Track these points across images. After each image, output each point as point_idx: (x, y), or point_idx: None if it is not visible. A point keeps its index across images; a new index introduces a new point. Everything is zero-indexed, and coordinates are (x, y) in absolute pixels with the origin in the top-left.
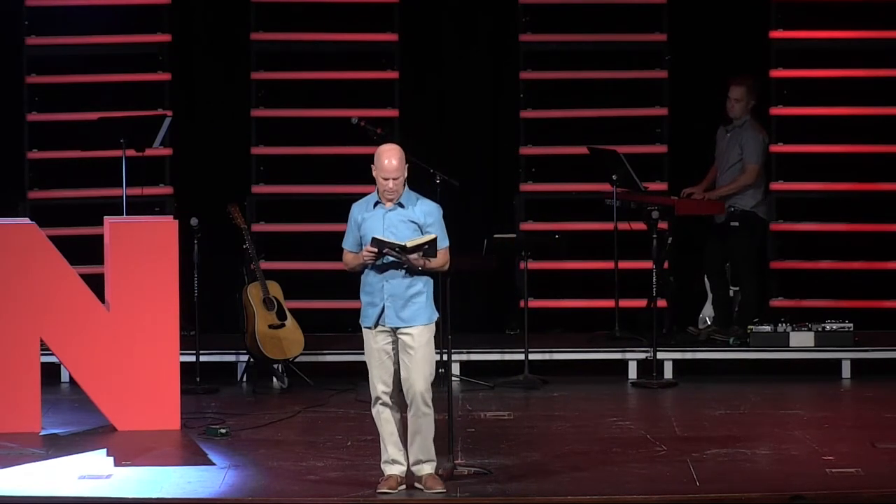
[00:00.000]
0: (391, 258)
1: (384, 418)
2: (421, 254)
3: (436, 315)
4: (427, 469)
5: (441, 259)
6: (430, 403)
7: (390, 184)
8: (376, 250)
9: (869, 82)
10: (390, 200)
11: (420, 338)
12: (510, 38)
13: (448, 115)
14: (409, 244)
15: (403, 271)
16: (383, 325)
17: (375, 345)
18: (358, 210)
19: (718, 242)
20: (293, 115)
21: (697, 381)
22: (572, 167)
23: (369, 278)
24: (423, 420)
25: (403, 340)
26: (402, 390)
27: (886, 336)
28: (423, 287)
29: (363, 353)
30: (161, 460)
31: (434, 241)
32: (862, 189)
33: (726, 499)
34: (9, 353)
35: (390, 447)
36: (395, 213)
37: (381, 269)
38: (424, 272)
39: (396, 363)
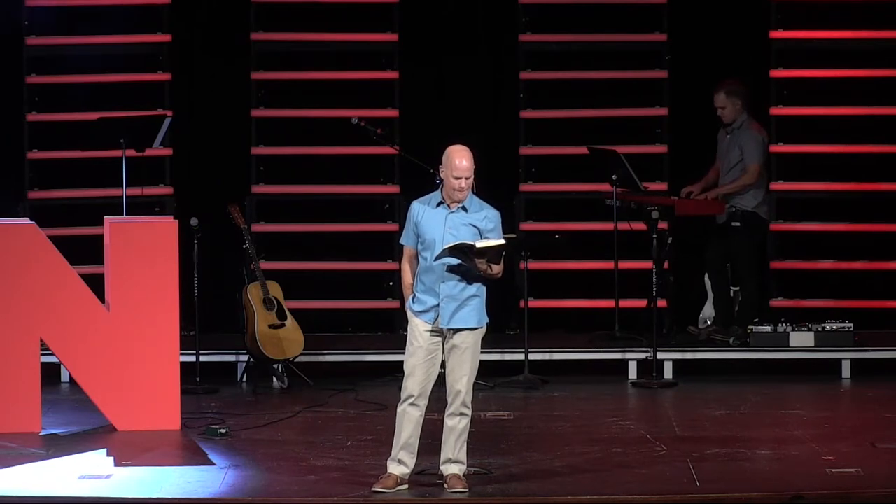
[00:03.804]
0: (456, 260)
1: (408, 419)
2: (486, 259)
3: (486, 319)
4: (453, 469)
5: (500, 266)
6: (470, 405)
7: (462, 182)
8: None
9: (869, 82)
10: (457, 202)
11: (469, 340)
12: (510, 38)
13: (448, 115)
14: (479, 245)
15: (461, 273)
16: (436, 326)
17: (424, 343)
18: (418, 208)
19: (719, 242)
20: (293, 115)
21: (697, 381)
22: (572, 167)
23: (426, 276)
24: (461, 420)
25: (453, 341)
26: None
27: (886, 336)
28: (477, 290)
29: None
30: (161, 460)
31: (503, 247)
32: (862, 189)
33: (726, 499)
34: (9, 353)
35: (402, 449)
36: (457, 216)
37: (440, 269)
38: (481, 277)
39: (439, 368)
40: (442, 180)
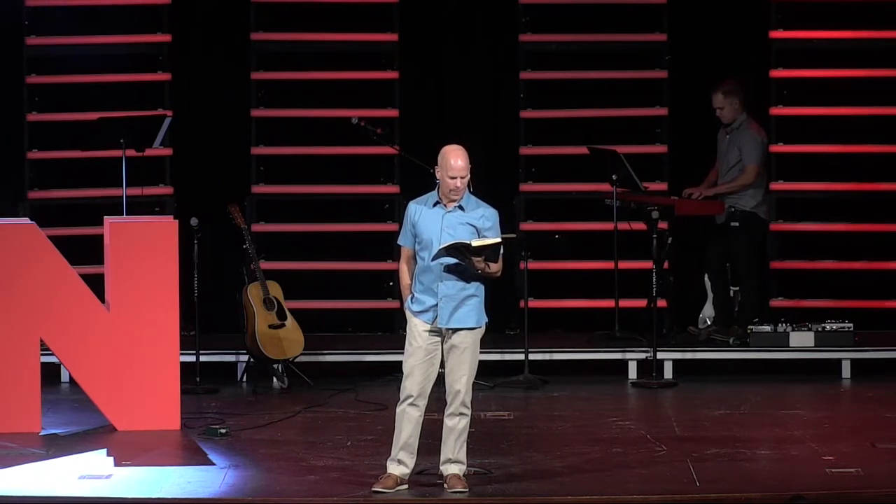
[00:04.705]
0: (453, 259)
1: (407, 419)
2: (483, 258)
3: (485, 319)
4: (453, 469)
5: (499, 265)
6: (469, 405)
7: (457, 182)
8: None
9: (869, 82)
10: (453, 201)
11: (468, 339)
12: (510, 38)
13: (448, 115)
14: (475, 244)
15: (459, 273)
16: (434, 325)
17: (423, 343)
18: (415, 208)
19: (719, 242)
20: (293, 115)
21: (697, 381)
22: (572, 167)
23: (424, 276)
24: (460, 420)
25: (452, 341)
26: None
27: (886, 336)
28: (475, 290)
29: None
30: (161, 460)
31: (499, 245)
32: (862, 189)
33: (726, 499)
34: (9, 353)
35: (402, 449)
36: (454, 215)
37: (438, 269)
38: (480, 277)
39: (439, 368)
40: (439, 180)
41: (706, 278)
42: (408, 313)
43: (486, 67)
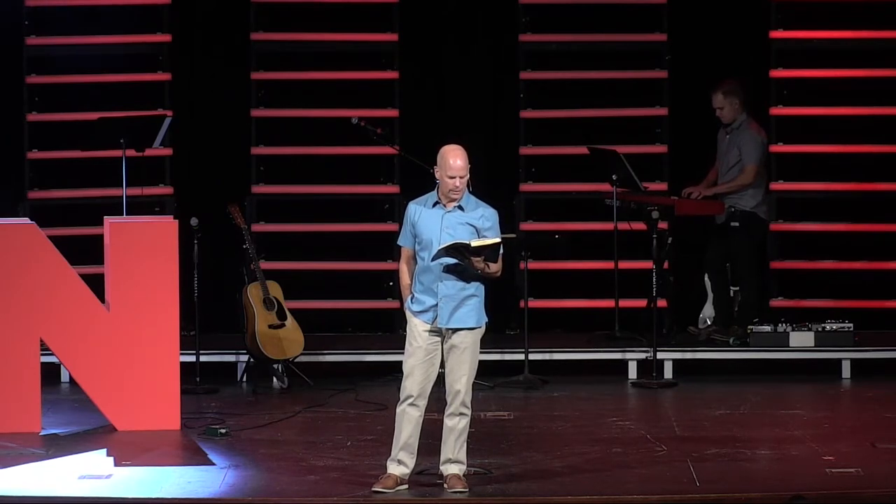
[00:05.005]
0: (453, 259)
1: (407, 419)
2: (483, 258)
3: (485, 319)
4: (453, 469)
5: (499, 265)
6: (469, 405)
7: (457, 182)
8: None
9: (869, 82)
10: (453, 201)
11: (468, 339)
12: (510, 38)
13: (448, 115)
14: (474, 244)
15: (459, 273)
16: (434, 325)
17: (423, 343)
18: (415, 208)
19: (719, 242)
20: (293, 115)
21: (697, 381)
22: (572, 167)
23: (424, 277)
24: (460, 420)
25: (452, 341)
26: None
27: (886, 336)
28: (475, 290)
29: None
30: (161, 460)
31: (499, 245)
32: (862, 189)
33: (726, 499)
34: (9, 353)
35: (402, 449)
36: (453, 215)
37: (438, 269)
38: (480, 277)
39: (439, 368)
40: (438, 180)
41: (706, 278)
42: (408, 313)
43: (486, 67)
